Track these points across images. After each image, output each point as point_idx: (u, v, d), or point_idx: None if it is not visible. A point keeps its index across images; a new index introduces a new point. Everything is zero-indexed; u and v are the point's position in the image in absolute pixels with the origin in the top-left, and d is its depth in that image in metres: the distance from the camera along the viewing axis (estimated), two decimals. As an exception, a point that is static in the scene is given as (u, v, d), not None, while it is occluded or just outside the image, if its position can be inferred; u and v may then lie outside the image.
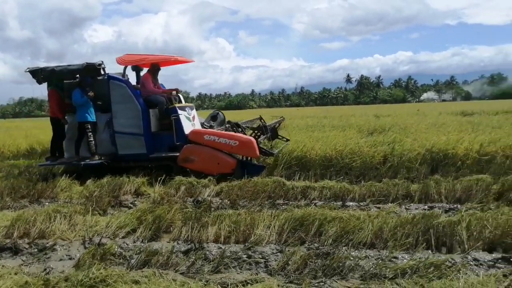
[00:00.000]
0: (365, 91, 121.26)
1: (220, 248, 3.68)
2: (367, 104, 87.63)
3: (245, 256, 3.52)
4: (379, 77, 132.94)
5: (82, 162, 7.11)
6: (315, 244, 3.73)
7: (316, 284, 2.99)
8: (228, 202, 5.41)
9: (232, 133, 7.49)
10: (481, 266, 3.24)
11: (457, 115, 18.54)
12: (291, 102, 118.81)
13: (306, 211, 4.15)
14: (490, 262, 3.28)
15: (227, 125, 8.34)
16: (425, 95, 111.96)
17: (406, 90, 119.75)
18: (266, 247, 3.69)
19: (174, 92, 7.86)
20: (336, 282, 3.03)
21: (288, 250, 3.47)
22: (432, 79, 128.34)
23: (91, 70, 7.20)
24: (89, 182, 6.26)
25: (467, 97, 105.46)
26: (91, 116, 7.22)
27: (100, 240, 3.91)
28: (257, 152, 6.96)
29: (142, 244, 3.88)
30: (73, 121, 7.40)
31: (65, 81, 7.58)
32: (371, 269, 3.15)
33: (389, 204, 5.16)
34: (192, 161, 6.94)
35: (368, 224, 3.86)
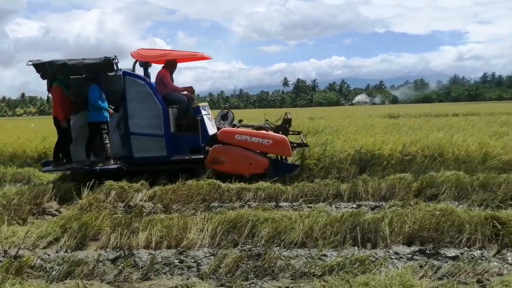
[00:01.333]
0: (301, 94, 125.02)
1: (151, 254, 3.57)
2: (303, 107, 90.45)
3: (177, 261, 3.45)
4: (314, 80, 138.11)
5: (97, 167, 6.39)
6: (248, 246, 3.76)
7: (247, 286, 3.00)
8: (162, 206, 5.28)
9: (264, 131, 7.04)
10: (401, 259, 3.46)
11: (384, 118, 19.77)
12: (230, 104, 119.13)
13: (239, 213, 4.16)
14: (409, 255, 3.51)
15: (238, 124, 7.80)
16: (357, 98, 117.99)
17: (339, 93, 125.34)
18: (198, 251, 3.64)
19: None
20: (267, 282, 3.07)
21: (221, 253, 3.46)
22: (368, 84, 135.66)
23: (107, 65, 6.47)
24: (6, 188, 5.74)
25: (394, 100, 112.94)
26: (106, 116, 6.48)
27: (17, 252, 3.61)
28: (291, 150, 6.80)
29: (66, 254, 3.65)
30: (77, 121, 6.71)
31: (72, 77, 6.72)
32: (301, 267, 3.23)
33: (321, 203, 5.36)
34: (221, 162, 6.56)
35: (300, 224, 3.96)
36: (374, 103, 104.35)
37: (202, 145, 6.72)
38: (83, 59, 6.42)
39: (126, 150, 6.79)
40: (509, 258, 3.42)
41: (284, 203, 5.40)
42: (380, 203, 5.21)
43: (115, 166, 6.39)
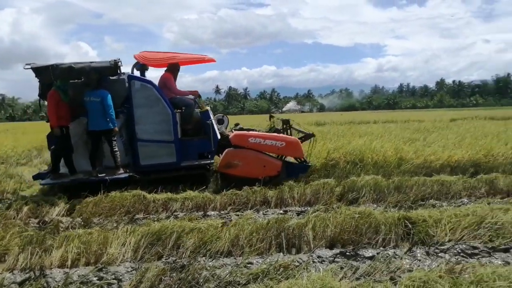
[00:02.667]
0: (233, 102, 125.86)
1: (66, 273, 3.32)
2: (236, 115, 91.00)
3: (95, 278, 3.24)
4: (246, 88, 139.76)
5: (108, 177, 5.95)
6: (172, 258, 3.65)
7: (170, 300, 2.91)
8: (81, 220, 4.95)
9: (275, 134, 6.96)
10: (323, 262, 3.58)
11: (312, 125, 20.49)
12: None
13: (164, 224, 4.04)
14: (331, 258, 3.64)
15: (234, 128, 7.66)
16: (287, 106, 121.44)
17: (270, 101, 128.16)
18: (120, 266, 3.46)
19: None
20: (191, 294, 3.00)
21: (143, 267, 3.32)
22: (297, 93, 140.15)
23: (115, 69, 6.03)
24: None
25: (322, 108, 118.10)
26: (115, 123, 6.08)
27: None
28: (303, 152, 6.77)
29: (-36, 280, 3.26)
30: (75, 129, 6.19)
31: (71, 81, 6.19)
32: (227, 277, 3.20)
33: (249, 211, 5.38)
34: (235, 166, 6.45)
35: (226, 232, 3.95)
36: (303, 111, 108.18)
37: (213, 149, 6.68)
38: (90, 62, 6.02)
39: (129, 157, 6.50)
40: (418, 254, 3.70)
41: (212, 212, 5.34)
42: (306, 208, 5.36)
43: (126, 175, 6.09)
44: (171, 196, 5.67)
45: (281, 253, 3.80)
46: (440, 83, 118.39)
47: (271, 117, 8.93)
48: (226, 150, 6.61)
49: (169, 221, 4.36)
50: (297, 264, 3.42)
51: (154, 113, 6.36)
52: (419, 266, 3.44)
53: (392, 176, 6.58)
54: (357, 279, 3.15)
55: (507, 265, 3.39)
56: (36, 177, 6.51)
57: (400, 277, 3.10)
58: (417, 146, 8.23)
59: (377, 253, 3.69)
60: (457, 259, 3.60)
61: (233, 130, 7.62)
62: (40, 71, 5.83)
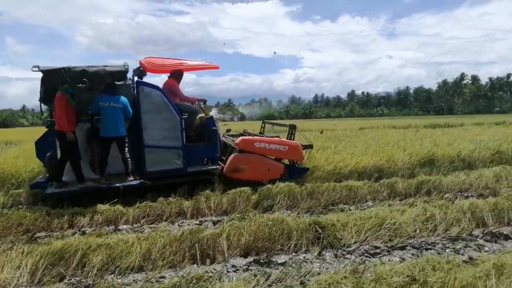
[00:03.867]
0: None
1: None
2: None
3: (-18, 308, 2.88)
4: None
5: (120, 185, 5.83)
6: (77, 278, 3.39)
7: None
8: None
9: (278, 138, 7.11)
10: (238, 271, 3.59)
11: (231, 134, 20.63)
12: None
13: (67, 242, 3.73)
14: (245, 266, 3.67)
15: (226, 134, 7.93)
16: (210, 114, 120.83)
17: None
18: (13, 292, 3.12)
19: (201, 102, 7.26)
20: (96, 316, 2.80)
21: (41, 291, 3.03)
22: (218, 102, 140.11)
23: (125, 74, 5.98)
24: None
25: (242, 117, 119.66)
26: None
27: None
28: (303, 155, 7.09)
29: None
30: (78, 135, 5.95)
31: (78, 86, 6.02)
32: (136, 294, 3.06)
33: (163, 222, 5.22)
34: (242, 170, 6.62)
35: (137, 247, 3.77)
36: (224, 120, 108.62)
37: (218, 155, 6.90)
38: (104, 66, 5.84)
39: (133, 164, 6.34)
40: (328, 257, 3.88)
41: (125, 226, 5.08)
42: (222, 218, 5.35)
43: (137, 182, 6.02)
44: (78, 210, 5.29)
45: (195, 265, 3.73)
46: (351, 94, 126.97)
47: (263, 123, 9.33)
48: (233, 155, 6.74)
49: (74, 238, 4.04)
50: (210, 274, 3.38)
51: (162, 119, 6.35)
52: (327, 268, 3.61)
53: (305, 182, 6.85)
54: (269, 286, 3.21)
55: (403, 261, 3.70)
56: (34, 186, 6.11)
57: (309, 280, 3.22)
58: (328, 153, 8.67)
59: (289, 259, 3.80)
60: (362, 259, 3.85)
61: (225, 136, 8.00)
62: (50, 74, 5.60)
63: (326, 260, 3.84)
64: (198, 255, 3.83)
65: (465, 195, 6.32)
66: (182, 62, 7.24)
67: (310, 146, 7.61)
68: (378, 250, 4.03)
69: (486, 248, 4.10)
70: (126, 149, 6.13)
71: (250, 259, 3.84)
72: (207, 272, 3.45)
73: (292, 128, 7.57)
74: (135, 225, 5.13)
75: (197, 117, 7.18)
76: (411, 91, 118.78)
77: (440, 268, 3.22)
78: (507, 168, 7.61)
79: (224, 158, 7.16)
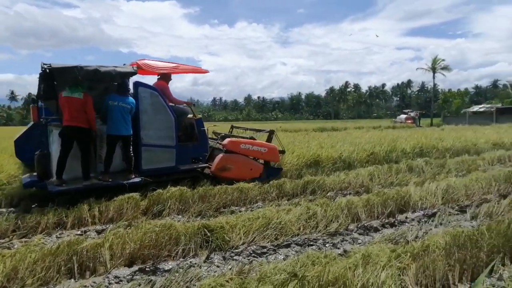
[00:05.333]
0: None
1: None
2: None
3: None
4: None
5: (125, 182, 6.10)
6: None
7: None
8: None
9: (260, 141, 7.91)
10: (121, 282, 3.40)
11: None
12: None
13: None
14: (129, 276, 3.49)
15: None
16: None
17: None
18: None
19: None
20: None
21: None
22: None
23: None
24: None
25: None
26: None
27: None
28: (279, 157, 8.03)
29: None
30: None
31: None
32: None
33: (38, 235, 4.70)
34: (229, 169, 7.12)
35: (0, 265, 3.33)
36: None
37: (206, 154, 7.64)
38: (115, 66, 6.13)
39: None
40: (216, 260, 3.90)
41: (-11, 242, 4.45)
42: (107, 226, 5.02)
43: (139, 179, 6.30)
44: None
45: (73, 279, 3.43)
46: (248, 99, 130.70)
47: (232, 127, 10.31)
48: (221, 154, 7.19)
49: None
50: (90, 288, 3.14)
51: (158, 119, 6.66)
52: (215, 272, 3.62)
53: (198, 186, 6.81)
54: (153, 294, 3.09)
55: (287, 258, 3.89)
56: (28, 185, 6.05)
57: (195, 285, 3.18)
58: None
59: (177, 265, 3.73)
60: (249, 259, 3.94)
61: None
62: (62, 71, 5.71)
63: (215, 263, 3.85)
64: (75, 269, 3.52)
65: (344, 193, 6.92)
66: (177, 65, 7.67)
67: (282, 152, 8.33)
68: (265, 250, 4.18)
69: (359, 241, 4.53)
70: (130, 147, 6.40)
71: (135, 268, 3.66)
72: (85, 286, 3.20)
73: (271, 133, 8.36)
74: (0, 240, 4.53)
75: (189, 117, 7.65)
76: (303, 96, 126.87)
77: (318, 262, 3.46)
78: (379, 167, 8.54)
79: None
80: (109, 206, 5.46)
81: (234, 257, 3.98)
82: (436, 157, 10.93)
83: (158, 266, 3.71)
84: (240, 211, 5.74)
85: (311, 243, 4.40)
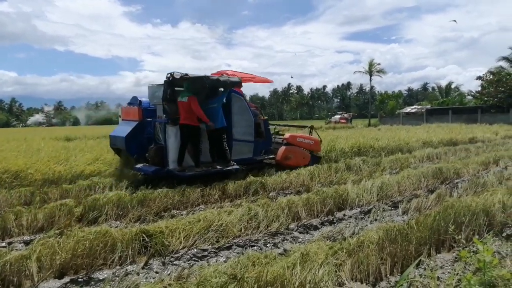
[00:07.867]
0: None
1: None
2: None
3: None
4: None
5: (233, 168, 7.82)
6: None
7: None
8: None
9: (307, 135, 10.02)
10: (50, 296, 3.18)
11: (59, 140, 18.52)
12: None
13: None
14: (59, 289, 3.27)
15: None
16: (33, 119, 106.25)
17: (10, 113, 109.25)
18: None
19: None
20: None
21: None
22: (45, 103, 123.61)
23: None
24: None
25: (76, 122, 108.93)
26: None
27: None
28: (321, 148, 10.26)
29: None
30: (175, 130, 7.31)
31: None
32: None
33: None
34: (289, 158, 8.97)
35: None
36: (51, 125, 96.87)
37: (271, 148, 9.32)
38: (228, 77, 7.98)
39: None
40: (155, 266, 3.78)
41: None
42: (37, 236, 4.68)
43: (237, 167, 7.89)
44: None
45: (-6, 297, 3.16)
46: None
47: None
48: (284, 147, 9.04)
49: None
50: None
51: (244, 119, 8.38)
52: (154, 278, 3.50)
53: (137, 190, 6.58)
54: (85, 306, 2.92)
55: (228, 260, 3.86)
56: (154, 172, 7.14)
57: (131, 294, 3.06)
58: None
59: (112, 273, 3.56)
60: (190, 263, 3.87)
61: None
62: (194, 80, 7.23)
63: (153, 269, 3.73)
64: (-3, 284, 3.25)
65: (286, 192, 7.02)
66: (254, 76, 9.77)
67: (320, 141, 10.23)
68: (206, 253, 4.12)
69: (300, 240, 4.61)
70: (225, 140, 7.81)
71: (66, 279, 3.44)
72: (8, 302, 2.95)
73: (311, 128, 10.65)
74: None
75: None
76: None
77: (259, 263, 3.47)
78: (319, 167, 8.79)
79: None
80: (38, 214, 5.10)
81: (174, 262, 3.89)
82: (372, 155, 11.47)
83: (92, 275, 3.52)
84: (181, 215, 5.61)
85: (253, 244, 4.41)
